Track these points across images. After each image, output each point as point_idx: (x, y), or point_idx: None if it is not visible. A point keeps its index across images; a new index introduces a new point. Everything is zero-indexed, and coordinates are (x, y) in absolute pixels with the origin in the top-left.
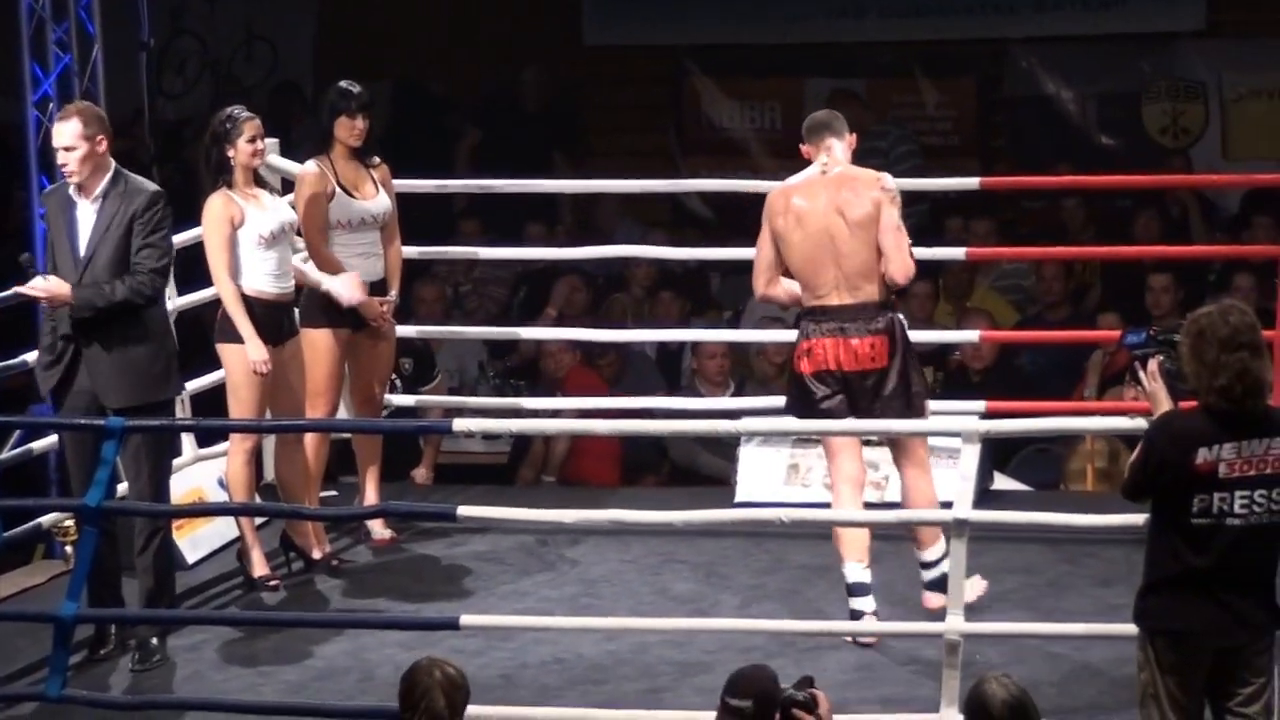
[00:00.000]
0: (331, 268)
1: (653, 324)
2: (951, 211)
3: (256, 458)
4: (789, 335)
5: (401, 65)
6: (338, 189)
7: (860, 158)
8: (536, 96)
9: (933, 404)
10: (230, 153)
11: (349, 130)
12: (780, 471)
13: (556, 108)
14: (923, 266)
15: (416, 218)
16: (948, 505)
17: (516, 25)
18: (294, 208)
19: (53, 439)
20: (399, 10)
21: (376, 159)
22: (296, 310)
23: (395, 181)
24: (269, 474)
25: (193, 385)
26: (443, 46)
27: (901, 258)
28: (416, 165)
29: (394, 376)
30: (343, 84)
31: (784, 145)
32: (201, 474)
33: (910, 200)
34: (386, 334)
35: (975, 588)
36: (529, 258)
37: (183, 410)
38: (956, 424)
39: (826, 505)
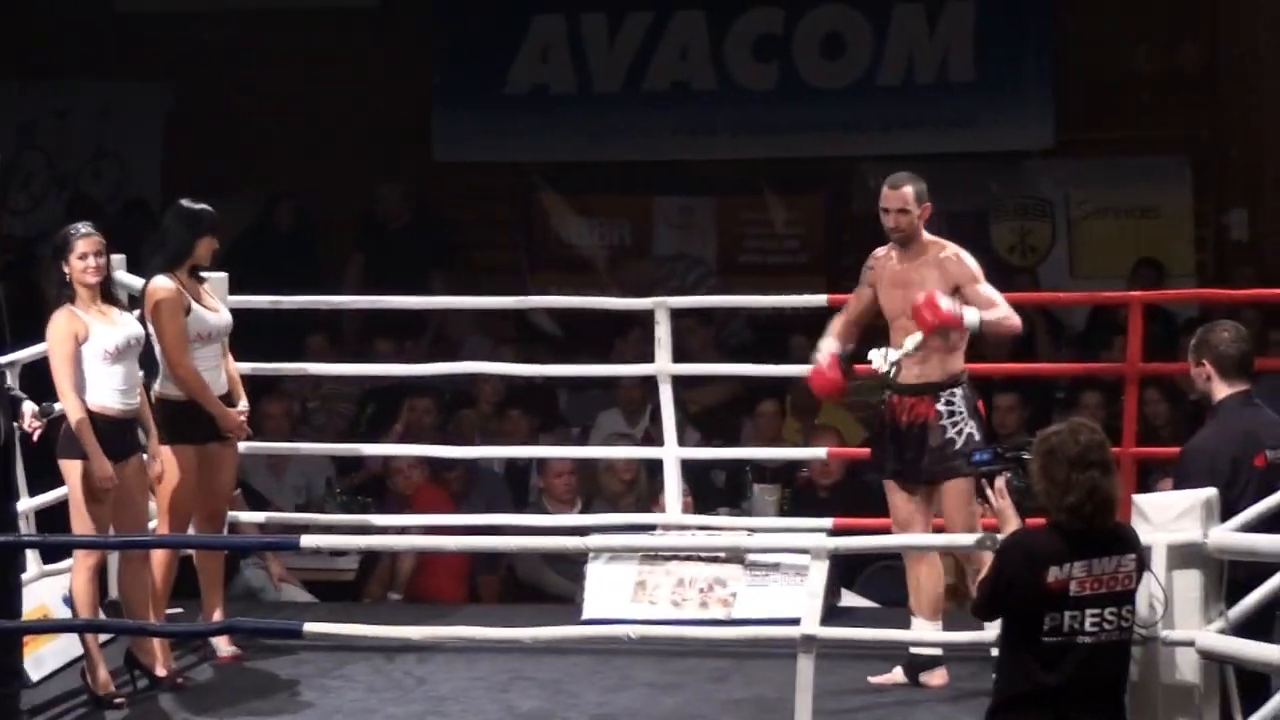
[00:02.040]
0: (194, 381)
1: (501, 440)
2: (799, 329)
3: (101, 574)
4: (637, 452)
5: (253, 183)
6: (193, 304)
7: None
8: (396, 213)
9: (781, 521)
10: (66, 269)
11: (209, 249)
12: (627, 588)
13: (419, 223)
14: (770, 384)
15: (263, 333)
16: (794, 622)
17: (370, 140)
18: (142, 323)
19: None
20: (252, 127)
21: (203, 274)
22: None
23: (245, 298)
24: (113, 591)
25: (37, 501)
26: (295, 162)
27: None
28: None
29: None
30: (194, 204)
31: (633, 264)
32: (46, 590)
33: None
34: (232, 449)
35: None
36: (377, 374)
37: (27, 526)
38: (804, 541)
39: (674, 622)
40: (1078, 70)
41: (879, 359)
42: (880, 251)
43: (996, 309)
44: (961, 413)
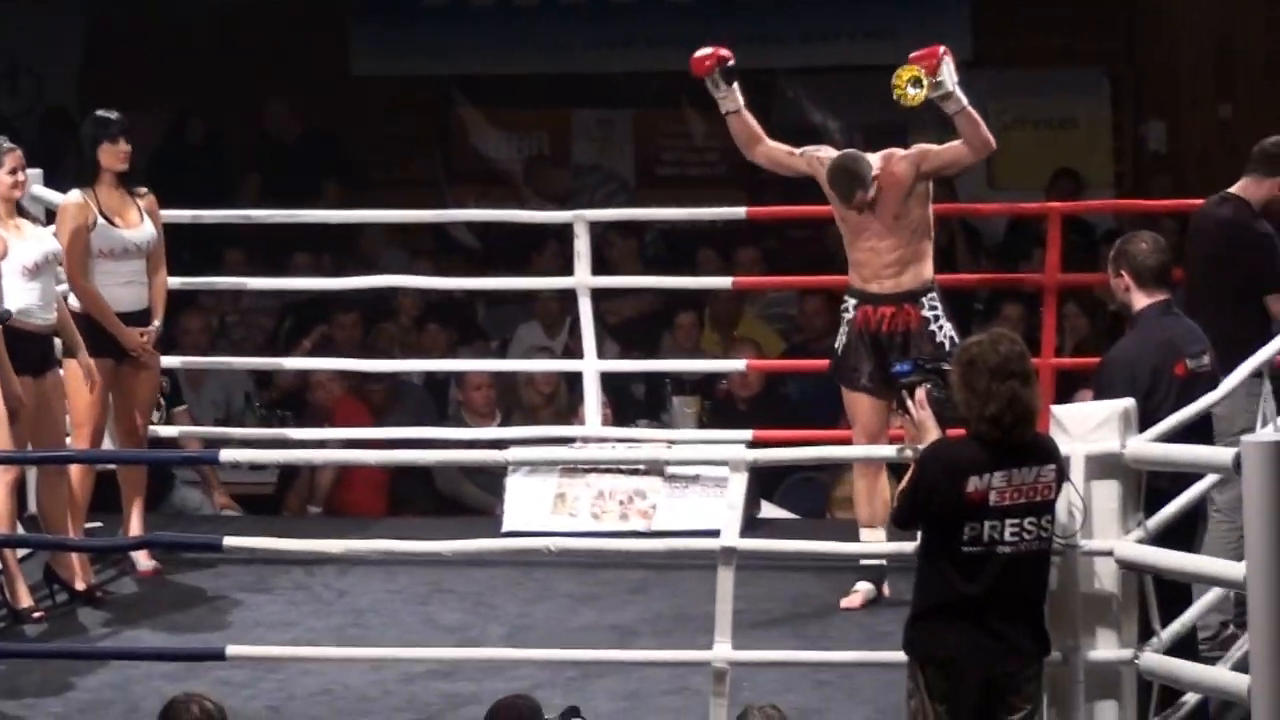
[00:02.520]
0: (90, 300)
1: (420, 354)
2: (718, 241)
3: (19, 489)
4: (557, 365)
5: (170, 96)
6: (100, 218)
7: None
8: (288, 127)
9: (700, 434)
10: None
11: (113, 156)
12: (547, 501)
13: (314, 138)
14: (689, 296)
15: (181, 248)
16: (714, 534)
17: (281, 56)
18: (57, 238)
19: None
20: (167, 41)
21: (143, 189)
22: (57, 340)
23: (162, 212)
24: (32, 506)
25: None
26: (210, 78)
27: None
28: (187, 195)
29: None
30: (100, 111)
31: (551, 175)
32: None
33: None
34: (150, 364)
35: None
36: (295, 288)
37: None
38: (723, 453)
39: (593, 534)
40: None
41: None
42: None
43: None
44: (942, 316)
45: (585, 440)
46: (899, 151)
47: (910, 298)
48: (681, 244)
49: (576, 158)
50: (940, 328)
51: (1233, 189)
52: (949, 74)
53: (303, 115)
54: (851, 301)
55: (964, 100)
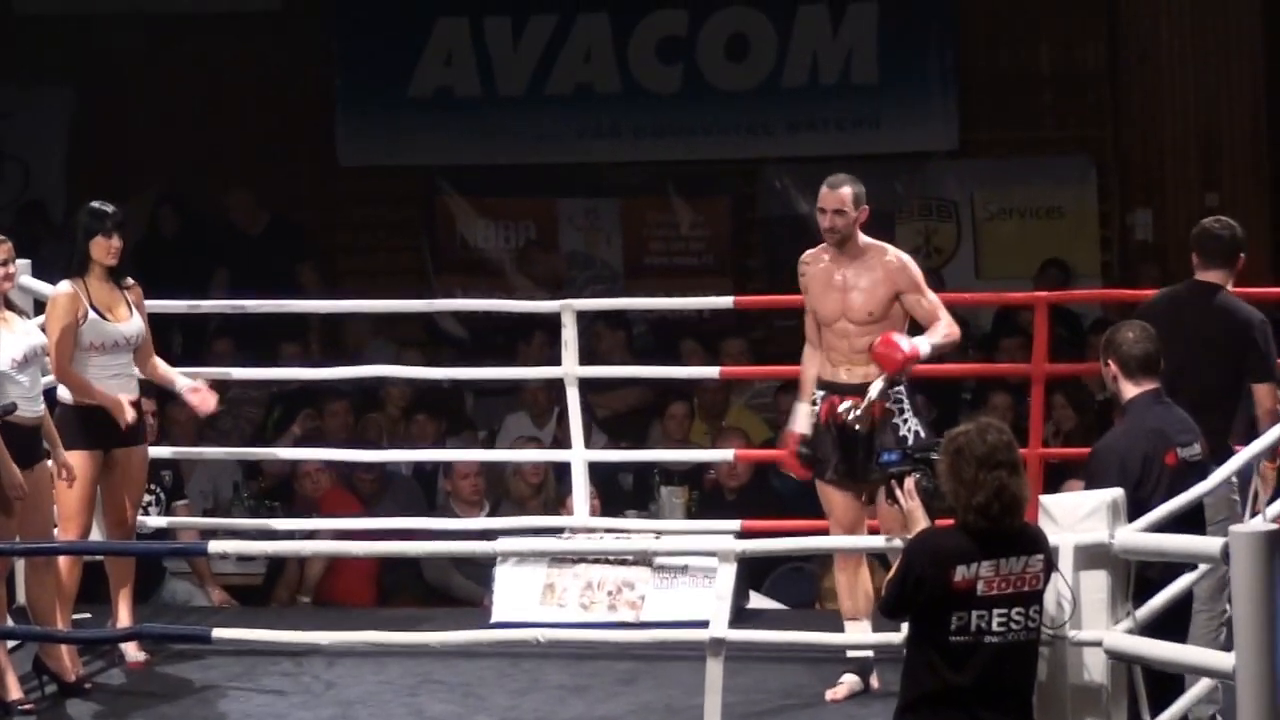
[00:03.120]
0: (77, 384)
1: (409, 444)
2: (704, 331)
3: (8, 581)
4: (545, 455)
5: (155, 185)
6: (91, 311)
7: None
8: (250, 220)
9: (689, 524)
10: None
11: (105, 250)
12: (536, 591)
13: (282, 227)
14: (679, 387)
15: (169, 337)
16: (703, 624)
17: (267, 146)
18: (44, 329)
19: None
20: (154, 129)
21: (129, 280)
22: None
23: (160, 302)
24: (20, 597)
25: None
26: (197, 166)
27: None
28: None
29: (156, 490)
30: (95, 204)
31: (545, 260)
32: None
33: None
34: (139, 457)
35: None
36: (283, 378)
37: None
38: (712, 543)
39: (582, 625)
40: (981, 71)
41: (850, 409)
42: (810, 254)
43: (939, 323)
44: (908, 409)
45: (574, 531)
46: (892, 253)
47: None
48: (670, 334)
49: (563, 248)
50: (904, 421)
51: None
52: (876, 391)
53: (268, 205)
54: (819, 393)
55: (929, 348)
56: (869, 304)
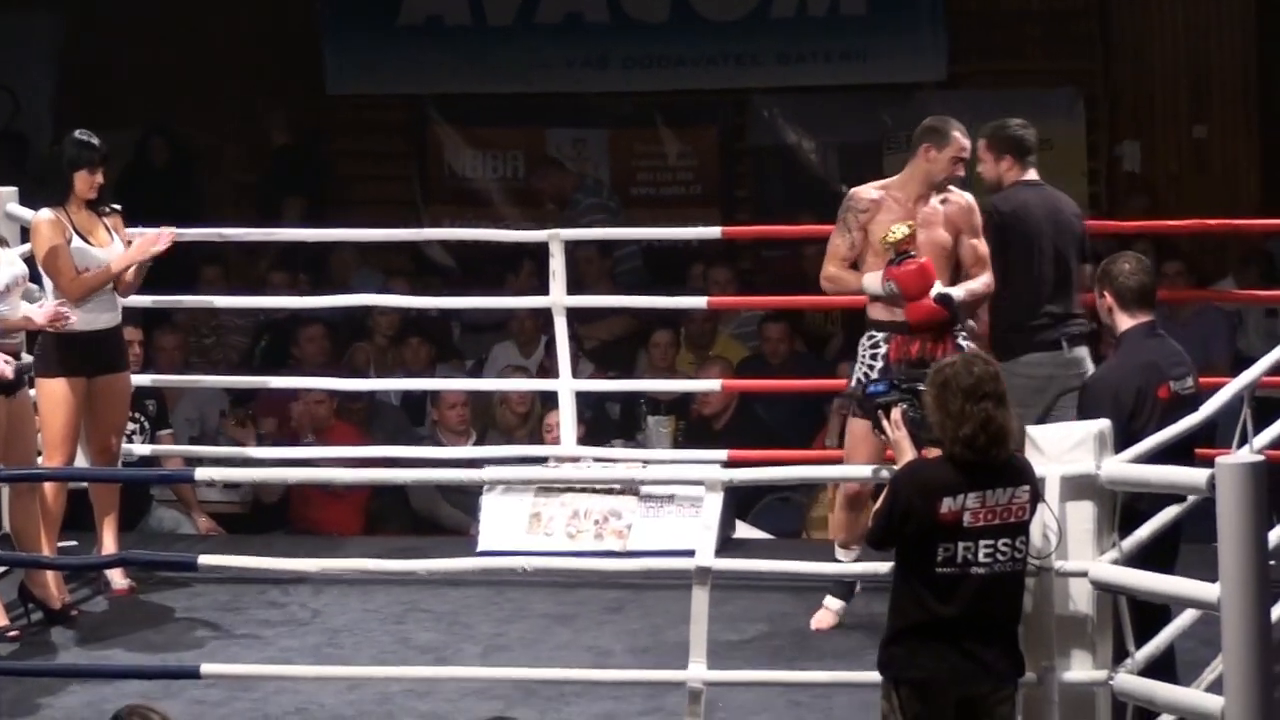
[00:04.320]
0: (84, 287)
1: (398, 371)
2: (693, 260)
3: None
4: (532, 385)
5: (144, 114)
6: (75, 236)
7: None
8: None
9: (675, 453)
10: None
11: (88, 184)
12: (522, 520)
13: (294, 154)
14: (665, 316)
15: (157, 265)
16: (689, 554)
17: (259, 73)
18: (25, 258)
19: None
20: (140, 59)
21: (108, 207)
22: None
23: (133, 230)
24: (5, 524)
25: None
26: (186, 95)
27: None
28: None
29: (140, 419)
30: (81, 135)
31: (526, 194)
32: None
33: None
34: (124, 384)
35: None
36: (271, 306)
37: None
38: (699, 473)
39: (568, 554)
40: (969, 3)
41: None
42: (866, 193)
43: (981, 276)
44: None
45: (560, 460)
46: (957, 193)
47: (945, 328)
48: (659, 263)
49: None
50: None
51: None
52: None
53: (258, 135)
54: (880, 335)
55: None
56: (940, 242)
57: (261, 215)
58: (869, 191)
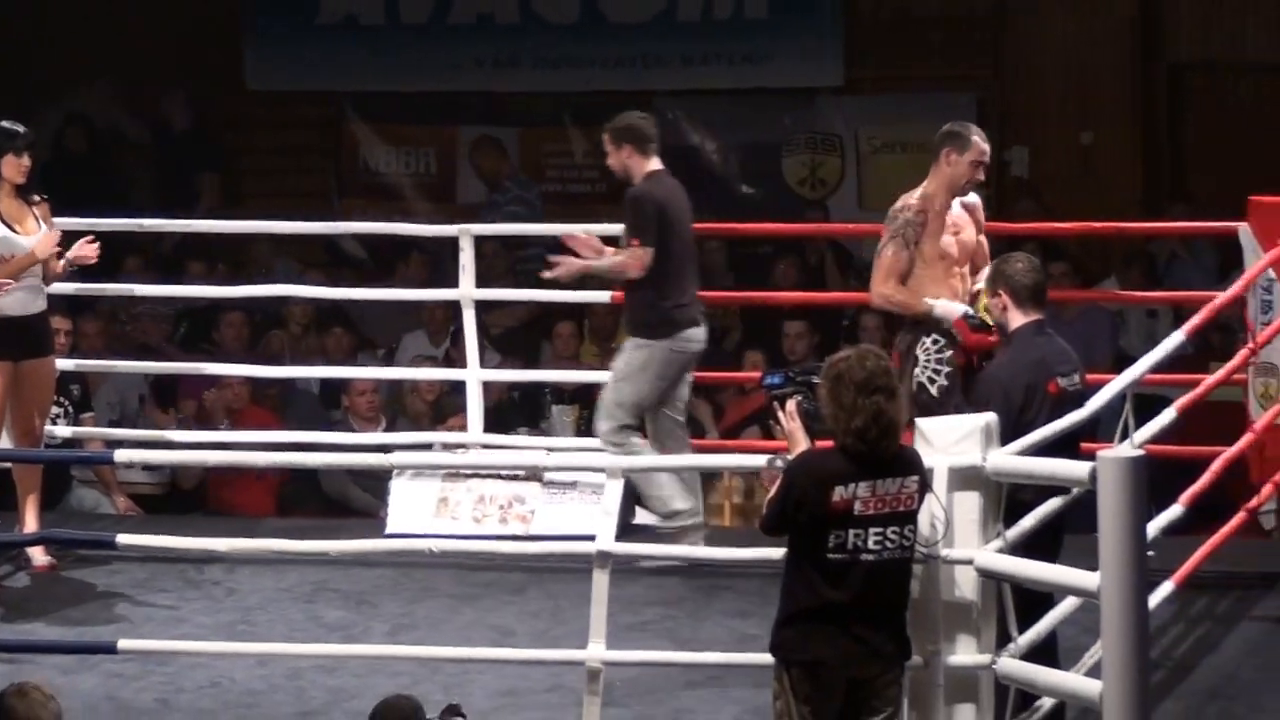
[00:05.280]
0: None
1: (317, 359)
2: None
3: None
4: (441, 374)
5: (60, 104)
6: (1, 225)
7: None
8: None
9: (578, 441)
10: None
11: (16, 169)
12: (430, 504)
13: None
14: (569, 308)
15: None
16: (590, 538)
17: (176, 68)
18: None
19: None
20: (63, 49)
21: (37, 196)
22: None
23: (62, 220)
24: None
25: None
26: (104, 86)
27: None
28: (83, 200)
29: (64, 402)
30: (5, 123)
31: (438, 190)
32: None
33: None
34: (48, 368)
35: None
36: (189, 295)
37: None
38: (601, 460)
39: (474, 537)
40: (868, 9)
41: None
42: (916, 204)
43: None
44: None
45: (467, 446)
46: (970, 200)
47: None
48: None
49: (462, 174)
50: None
51: None
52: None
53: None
54: (945, 340)
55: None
56: (971, 244)
57: (173, 200)
58: (916, 202)
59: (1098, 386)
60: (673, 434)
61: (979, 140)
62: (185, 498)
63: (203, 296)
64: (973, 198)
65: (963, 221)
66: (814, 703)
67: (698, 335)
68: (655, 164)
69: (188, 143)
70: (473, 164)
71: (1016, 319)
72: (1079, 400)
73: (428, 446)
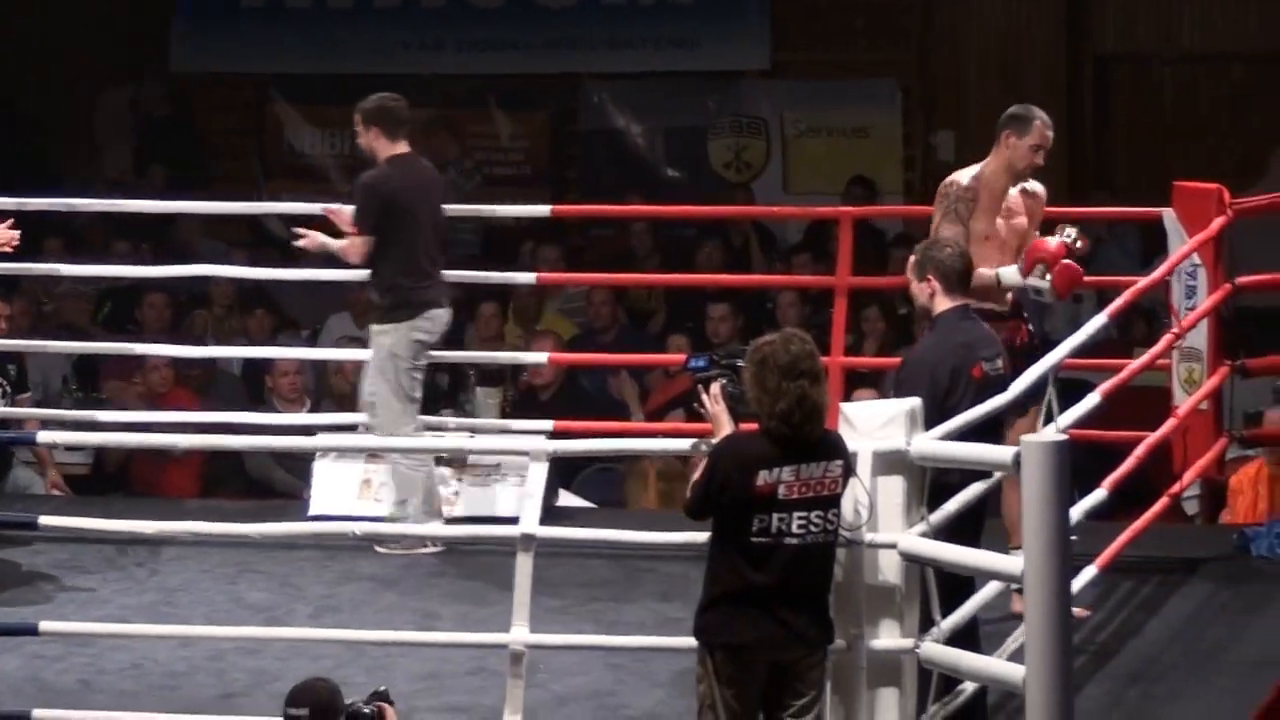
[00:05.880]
0: None
1: (239, 340)
2: (523, 237)
3: None
4: (365, 355)
5: None
6: None
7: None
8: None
9: (502, 423)
10: None
11: None
12: (353, 486)
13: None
14: (492, 290)
15: None
16: (514, 521)
17: (105, 50)
18: None
19: None
20: None
21: None
22: None
23: None
24: None
25: None
26: (33, 69)
27: None
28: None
29: (2, 383)
30: None
31: (363, 171)
32: None
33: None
34: None
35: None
36: (113, 275)
37: None
38: (524, 443)
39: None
40: None
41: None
42: (967, 182)
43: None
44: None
45: None
46: (1033, 184)
47: (1018, 313)
48: (492, 239)
49: None
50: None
51: None
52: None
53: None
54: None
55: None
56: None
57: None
58: (967, 180)
59: (1020, 370)
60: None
61: (1041, 125)
62: (110, 478)
63: (125, 277)
64: (1036, 185)
65: (1017, 207)
66: (737, 685)
67: (439, 317)
68: (402, 148)
69: (167, 130)
70: (424, 142)
71: (943, 303)
72: (1003, 384)
73: (352, 428)
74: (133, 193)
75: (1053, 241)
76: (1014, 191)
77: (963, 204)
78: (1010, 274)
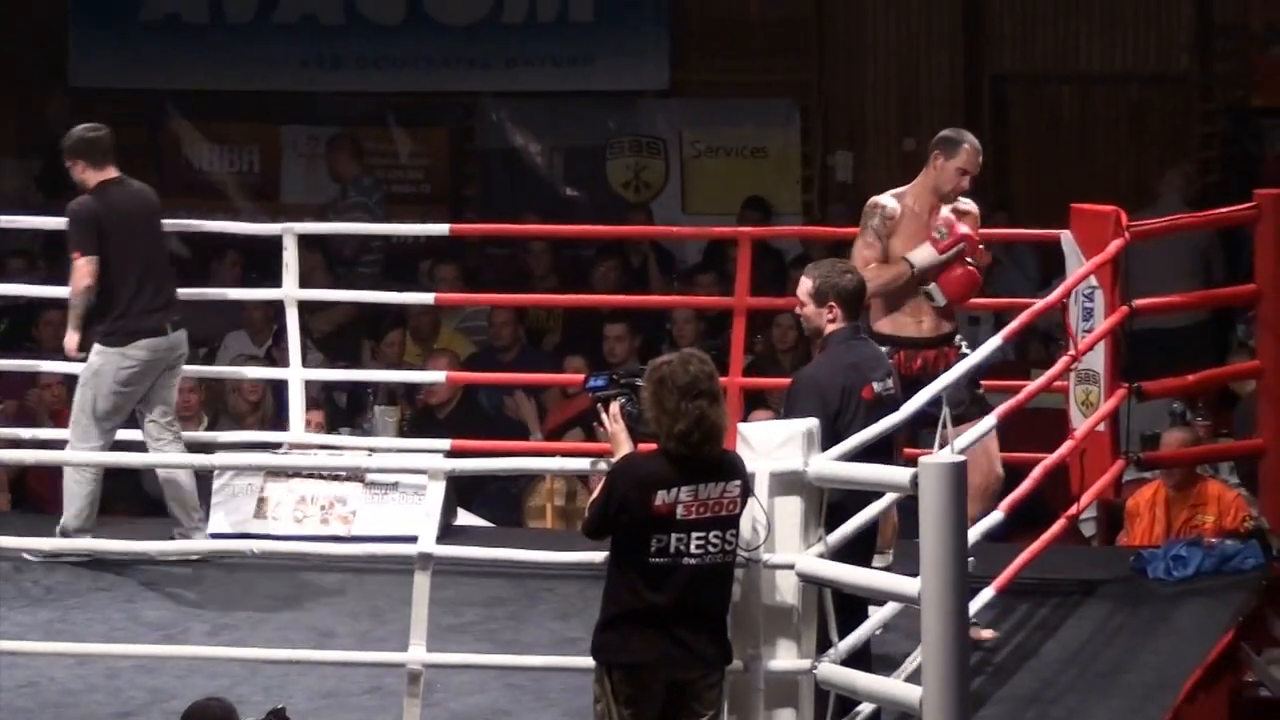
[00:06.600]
0: None
1: None
2: (421, 257)
3: None
4: (264, 373)
5: None
6: None
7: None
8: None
9: (400, 442)
10: None
11: None
12: (251, 505)
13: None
14: (393, 312)
15: None
16: (412, 540)
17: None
18: None
19: None
20: None
21: None
22: None
23: None
24: None
25: None
26: None
27: None
28: None
29: None
30: None
31: (261, 188)
32: None
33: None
34: None
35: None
36: (7, 293)
37: None
38: (422, 462)
39: (295, 538)
40: (693, 14)
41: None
42: (888, 203)
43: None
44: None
45: (290, 447)
46: (965, 204)
47: (950, 339)
48: (390, 258)
49: (286, 173)
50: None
51: None
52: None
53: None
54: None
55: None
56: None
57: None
58: (890, 201)
59: (913, 391)
60: (159, 441)
61: (970, 149)
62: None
63: (20, 295)
64: (969, 204)
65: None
66: (635, 705)
67: (154, 345)
68: (110, 173)
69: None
70: (326, 161)
71: (834, 324)
72: (894, 405)
73: (249, 446)
74: (30, 210)
75: (963, 228)
76: (946, 210)
77: (882, 221)
78: (922, 256)
